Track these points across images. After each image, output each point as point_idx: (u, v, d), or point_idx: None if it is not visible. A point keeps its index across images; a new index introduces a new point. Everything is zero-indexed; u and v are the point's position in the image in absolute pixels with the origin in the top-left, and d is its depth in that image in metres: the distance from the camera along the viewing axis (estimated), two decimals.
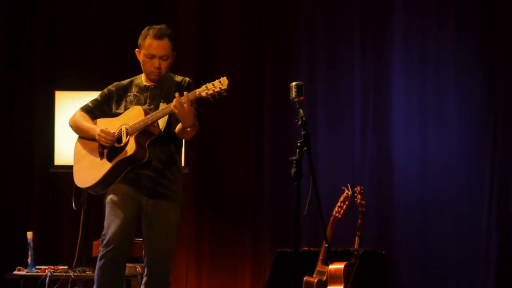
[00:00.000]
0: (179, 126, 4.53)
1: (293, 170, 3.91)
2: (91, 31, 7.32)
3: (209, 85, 4.42)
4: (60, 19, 7.33)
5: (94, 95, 4.87)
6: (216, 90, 4.40)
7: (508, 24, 6.77)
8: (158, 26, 4.67)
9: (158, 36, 4.62)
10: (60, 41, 7.31)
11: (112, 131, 4.58)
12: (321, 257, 5.81)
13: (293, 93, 4.03)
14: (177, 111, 4.42)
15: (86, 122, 4.71)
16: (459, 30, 6.89)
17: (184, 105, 4.40)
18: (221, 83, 4.41)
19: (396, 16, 7.02)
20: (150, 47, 4.62)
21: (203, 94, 4.43)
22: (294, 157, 3.92)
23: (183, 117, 4.44)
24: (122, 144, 4.56)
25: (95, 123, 4.71)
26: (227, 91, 4.41)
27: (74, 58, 7.29)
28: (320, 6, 7.16)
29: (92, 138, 4.66)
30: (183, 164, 5.24)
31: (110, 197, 4.59)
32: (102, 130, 4.58)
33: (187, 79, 4.74)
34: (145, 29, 4.69)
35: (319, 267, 5.80)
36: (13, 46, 7.31)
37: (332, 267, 5.73)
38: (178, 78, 4.73)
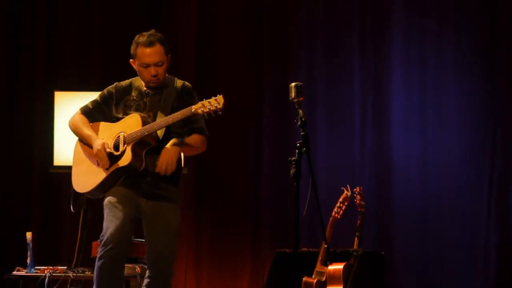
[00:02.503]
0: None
1: (292, 171, 3.91)
2: (91, 31, 7.32)
3: (205, 102, 4.41)
4: (60, 19, 7.33)
5: (94, 95, 4.86)
6: (211, 109, 4.40)
7: (508, 24, 6.76)
8: (148, 33, 4.61)
9: (149, 44, 4.55)
10: (60, 41, 7.31)
11: (107, 156, 4.55)
12: (320, 258, 5.81)
13: (293, 94, 4.03)
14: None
15: (86, 129, 4.67)
16: (459, 30, 6.88)
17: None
18: (217, 101, 4.40)
19: (396, 16, 7.01)
20: (143, 56, 4.56)
21: (199, 111, 4.43)
22: (293, 158, 3.91)
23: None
24: (119, 152, 4.55)
25: (94, 126, 4.68)
26: (223, 110, 4.41)
27: (74, 58, 7.29)
28: (320, 6, 7.15)
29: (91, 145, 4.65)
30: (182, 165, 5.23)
31: (108, 199, 4.59)
32: (99, 151, 4.54)
33: (188, 85, 4.70)
34: (135, 38, 4.62)
35: (318, 267, 5.79)
36: (13, 46, 7.30)
37: (331, 267, 5.73)
38: (179, 83, 4.69)
